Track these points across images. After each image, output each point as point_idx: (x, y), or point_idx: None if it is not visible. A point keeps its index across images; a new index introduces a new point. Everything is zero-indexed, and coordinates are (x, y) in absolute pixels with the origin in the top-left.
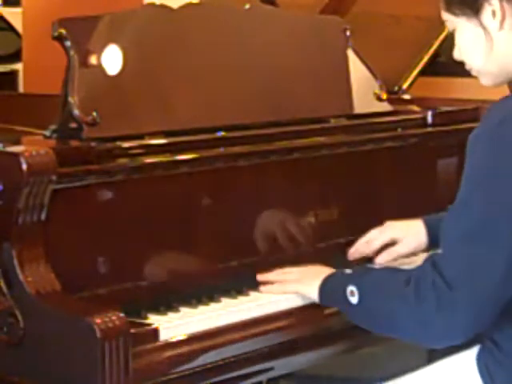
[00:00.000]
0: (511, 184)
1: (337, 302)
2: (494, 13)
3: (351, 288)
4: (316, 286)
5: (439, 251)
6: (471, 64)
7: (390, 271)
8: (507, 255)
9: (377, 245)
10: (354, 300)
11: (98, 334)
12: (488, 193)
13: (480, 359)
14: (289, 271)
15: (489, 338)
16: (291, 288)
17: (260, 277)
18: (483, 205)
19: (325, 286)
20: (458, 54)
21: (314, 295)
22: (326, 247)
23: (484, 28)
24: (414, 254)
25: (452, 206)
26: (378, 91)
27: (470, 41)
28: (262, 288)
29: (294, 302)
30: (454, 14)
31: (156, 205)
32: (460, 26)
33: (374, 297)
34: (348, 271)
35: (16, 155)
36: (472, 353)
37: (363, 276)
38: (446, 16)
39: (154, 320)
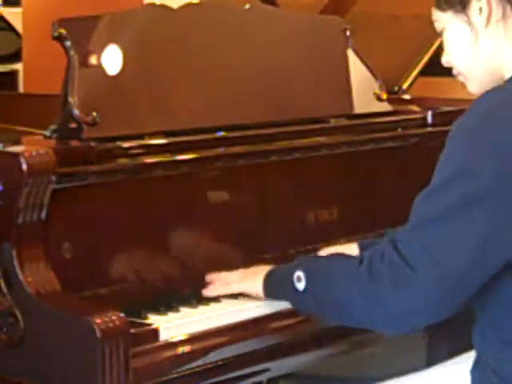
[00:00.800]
0: (490, 173)
1: (283, 292)
2: (480, 9)
3: (298, 274)
4: (259, 280)
5: (399, 231)
6: (458, 65)
7: (341, 257)
8: (477, 242)
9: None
10: (301, 286)
11: (98, 334)
12: (467, 179)
13: (474, 374)
14: (232, 274)
15: (484, 362)
16: (235, 288)
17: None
18: (461, 190)
19: (269, 278)
20: (446, 57)
21: (258, 290)
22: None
23: (470, 24)
24: None
25: (426, 188)
26: (378, 91)
27: (455, 37)
28: (204, 290)
29: None
30: (442, 9)
31: (156, 205)
32: (447, 22)
33: (322, 281)
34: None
35: (16, 155)
36: (470, 357)
37: (311, 262)
38: (435, 15)
39: (154, 320)
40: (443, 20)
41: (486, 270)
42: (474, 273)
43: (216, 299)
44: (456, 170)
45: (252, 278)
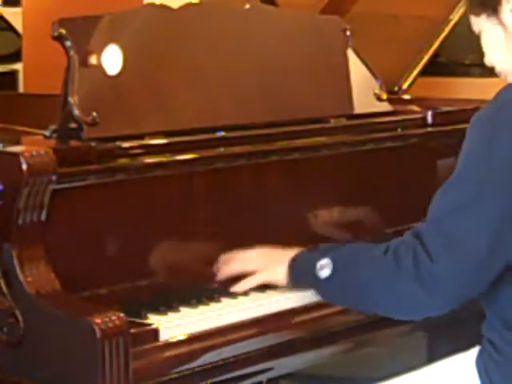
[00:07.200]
0: (501, 167)
1: (307, 279)
2: (511, 11)
3: (324, 261)
4: (284, 269)
5: (421, 224)
6: (497, 65)
7: (366, 245)
8: (491, 232)
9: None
10: (326, 273)
11: (98, 334)
12: (479, 171)
13: (479, 360)
14: (247, 257)
15: (487, 339)
16: (259, 279)
17: (221, 273)
18: (474, 182)
19: (294, 266)
20: (487, 58)
21: (281, 279)
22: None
23: (503, 25)
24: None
25: (447, 181)
26: (378, 91)
27: (490, 39)
28: (232, 287)
29: (294, 301)
30: (476, 14)
31: (156, 205)
32: (482, 25)
33: (348, 268)
34: (317, 248)
35: (16, 155)
36: (471, 354)
37: (337, 248)
38: (471, 19)
39: (154, 320)
40: (478, 24)
41: (499, 261)
42: (489, 264)
43: (216, 299)
44: (469, 162)
45: (277, 266)
